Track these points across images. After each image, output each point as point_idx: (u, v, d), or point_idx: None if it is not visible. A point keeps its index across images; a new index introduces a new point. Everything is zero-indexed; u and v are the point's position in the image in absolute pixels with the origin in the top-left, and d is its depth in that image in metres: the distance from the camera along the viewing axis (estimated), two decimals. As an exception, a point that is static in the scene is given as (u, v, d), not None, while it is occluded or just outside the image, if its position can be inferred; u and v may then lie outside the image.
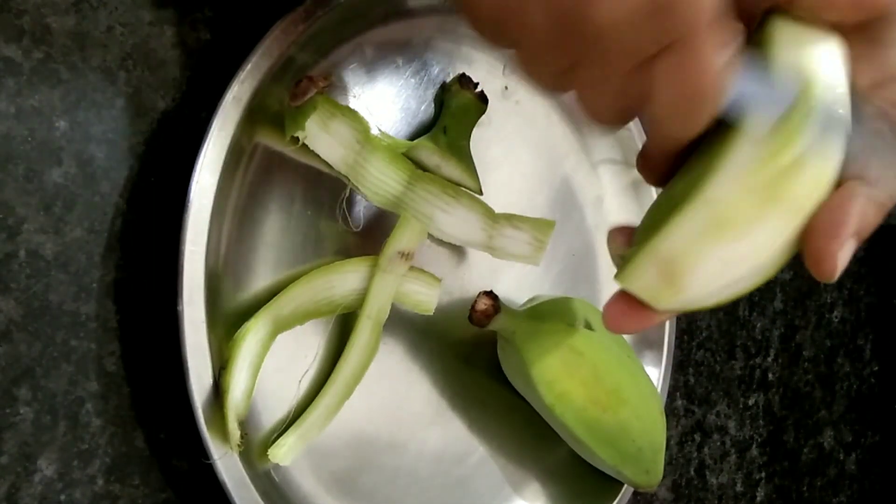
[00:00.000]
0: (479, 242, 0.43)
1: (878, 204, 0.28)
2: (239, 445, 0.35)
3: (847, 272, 0.75)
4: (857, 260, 0.76)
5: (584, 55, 0.28)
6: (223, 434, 0.35)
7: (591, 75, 0.29)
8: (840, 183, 0.28)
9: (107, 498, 0.35)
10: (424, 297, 0.42)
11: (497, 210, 0.43)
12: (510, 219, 0.43)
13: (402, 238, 0.40)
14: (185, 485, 0.38)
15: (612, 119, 0.30)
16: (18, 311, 0.33)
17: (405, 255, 0.40)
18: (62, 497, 0.34)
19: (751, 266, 0.28)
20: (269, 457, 0.37)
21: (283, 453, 0.37)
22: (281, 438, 0.38)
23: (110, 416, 0.35)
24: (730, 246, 0.27)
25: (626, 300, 0.30)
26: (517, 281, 0.48)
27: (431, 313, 0.42)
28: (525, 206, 0.47)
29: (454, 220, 0.42)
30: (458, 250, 0.45)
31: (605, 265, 0.51)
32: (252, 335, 0.37)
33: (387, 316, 0.41)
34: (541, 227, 0.44)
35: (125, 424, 0.36)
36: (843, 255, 0.28)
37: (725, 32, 0.27)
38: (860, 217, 0.28)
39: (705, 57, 0.26)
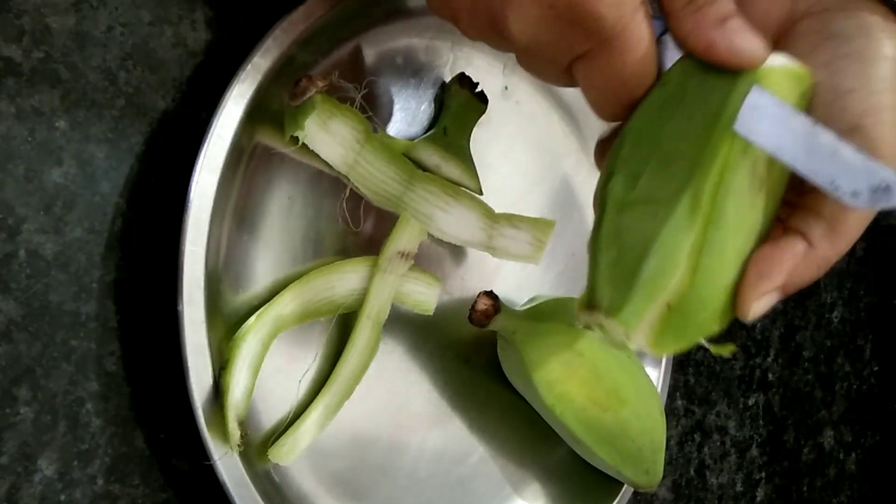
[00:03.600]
0: (479, 242, 0.43)
1: (817, 264, 0.29)
2: (239, 445, 0.35)
3: (847, 272, 0.75)
4: (857, 260, 0.76)
5: (517, 51, 0.31)
6: (223, 434, 0.35)
7: (528, 62, 0.32)
8: (784, 228, 0.30)
9: (107, 498, 0.35)
10: (424, 297, 0.42)
11: (497, 210, 0.43)
12: (510, 218, 0.43)
13: (402, 238, 0.40)
14: (185, 485, 0.38)
15: (562, 84, 0.33)
16: (18, 311, 0.33)
17: (405, 255, 0.40)
18: (62, 497, 0.34)
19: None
20: (269, 457, 0.37)
21: (283, 453, 0.37)
22: (281, 438, 0.38)
23: (110, 416, 0.35)
24: None
25: None
26: (517, 281, 0.48)
27: (431, 313, 0.42)
28: (525, 206, 0.47)
29: (454, 220, 0.42)
30: (458, 250, 0.45)
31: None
32: (252, 335, 0.37)
33: (387, 316, 0.41)
34: (540, 226, 0.44)
35: (125, 424, 0.36)
36: (760, 305, 0.29)
37: (643, 26, 0.28)
38: (789, 274, 0.29)
39: (621, 63, 0.29)
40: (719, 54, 0.28)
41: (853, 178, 0.27)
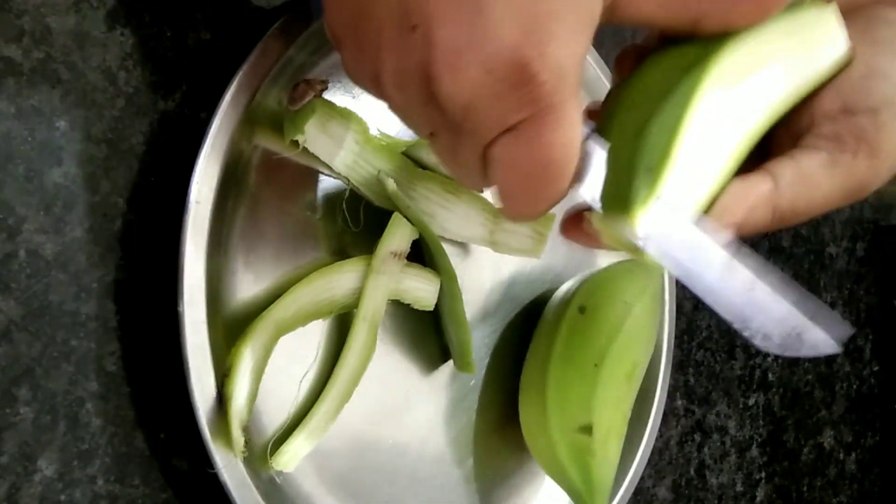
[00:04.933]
0: (481, 238, 0.43)
1: (774, 208, 0.28)
2: (243, 452, 0.35)
3: (847, 272, 0.75)
4: (857, 260, 0.76)
5: (439, 126, 0.28)
6: (226, 439, 0.35)
7: (446, 144, 0.28)
8: (756, 164, 0.29)
9: (107, 498, 0.35)
10: (424, 294, 0.42)
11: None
12: (510, 213, 0.43)
13: (394, 238, 0.40)
14: (185, 485, 0.38)
15: (471, 185, 0.30)
16: (18, 311, 0.33)
17: (397, 255, 0.40)
18: (62, 497, 0.34)
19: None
20: (273, 464, 0.37)
21: (287, 460, 0.37)
22: (283, 445, 0.38)
23: (110, 416, 0.35)
24: None
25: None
26: (519, 279, 0.48)
27: (432, 308, 0.42)
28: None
29: (455, 217, 0.42)
30: (459, 247, 0.45)
31: (605, 265, 0.51)
32: (254, 340, 0.37)
33: (382, 317, 0.41)
34: (541, 220, 0.44)
35: (125, 424, 0.36)
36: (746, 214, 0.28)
37: (577, 112, 0.26)
38: (750, 212, 0.28)
39: (549, 140, 0.26)
40: None
41: (766, 320, 0.26)
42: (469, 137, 0.27)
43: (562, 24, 0.24)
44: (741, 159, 0.29)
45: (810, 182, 0.28)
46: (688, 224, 0.26)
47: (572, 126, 0.26)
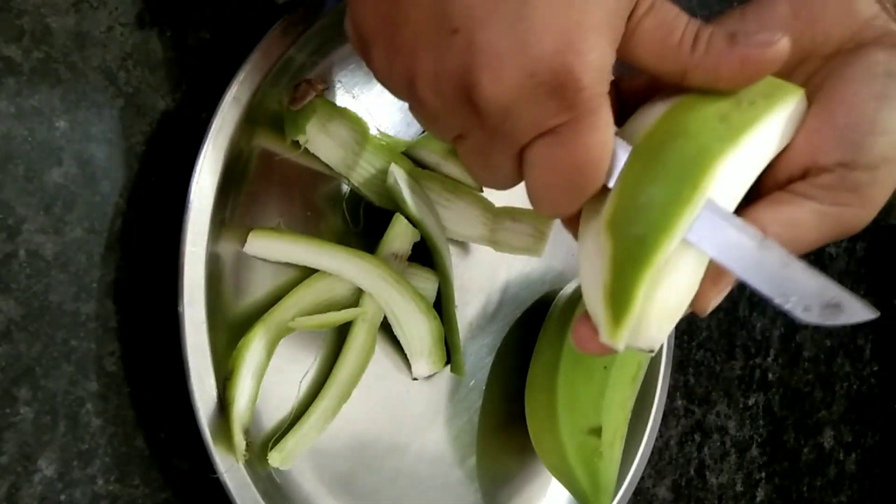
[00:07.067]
0: (481, 236, 0.43)
1: None
2: (244, 455, 0.35)
3: (847, 272, 0.75)
4: (857, 260, 0.76)
5: (471, 128, 0.28)
6: (228, 441, 0.35)
7: (477, 146, 0.29)
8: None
9: (107, 498, 0.35)
10: (423, 293, 0.42)
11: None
12: (511, 212, 0.43)
13: (395, 240, 0.40)
14: (185, 485, 0.38)
15: (495, 185, 0.31)
16: (18, 311, 0.33)
17: (398, 257, 0.40)
18: (62, 497, 0.34)
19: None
20: (269, 461, 0.37)
21: (282, 458, 0.37)
22: (279, 443, 0.38)
23: (110, 416, 0.35)
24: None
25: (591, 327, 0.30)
26: (520, 279, 0.48)
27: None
28: (525, 206, 0.47)
29: (455, 216, 0.42)
30: (459, 246, 0.45)
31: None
32: (256, 343, 0.37)
33: (381, 318, 0.41)
34: (541, 218, 0.44)
35: (125, 424, 0.36)
36: (717, 300, 0.31)
37: (610, 112, 0.27)
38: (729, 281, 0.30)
39: (585, 143, 0.27)
40: (756, 62, 0.27)
41: (804, 293, 0.27)
42: (504, 139, 0.27)
43: (599, 36, 0.26)
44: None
45: (798, 229, 0.29)
46: (723, 214, 0.28)
47: (608, 127, 0.27)
